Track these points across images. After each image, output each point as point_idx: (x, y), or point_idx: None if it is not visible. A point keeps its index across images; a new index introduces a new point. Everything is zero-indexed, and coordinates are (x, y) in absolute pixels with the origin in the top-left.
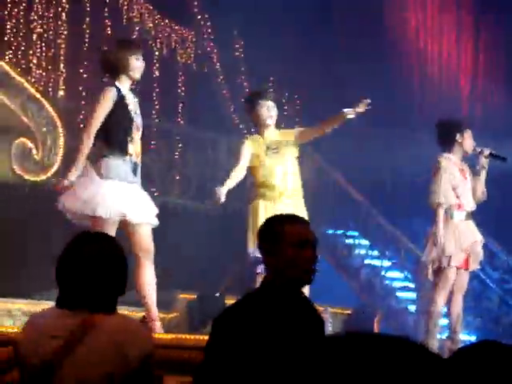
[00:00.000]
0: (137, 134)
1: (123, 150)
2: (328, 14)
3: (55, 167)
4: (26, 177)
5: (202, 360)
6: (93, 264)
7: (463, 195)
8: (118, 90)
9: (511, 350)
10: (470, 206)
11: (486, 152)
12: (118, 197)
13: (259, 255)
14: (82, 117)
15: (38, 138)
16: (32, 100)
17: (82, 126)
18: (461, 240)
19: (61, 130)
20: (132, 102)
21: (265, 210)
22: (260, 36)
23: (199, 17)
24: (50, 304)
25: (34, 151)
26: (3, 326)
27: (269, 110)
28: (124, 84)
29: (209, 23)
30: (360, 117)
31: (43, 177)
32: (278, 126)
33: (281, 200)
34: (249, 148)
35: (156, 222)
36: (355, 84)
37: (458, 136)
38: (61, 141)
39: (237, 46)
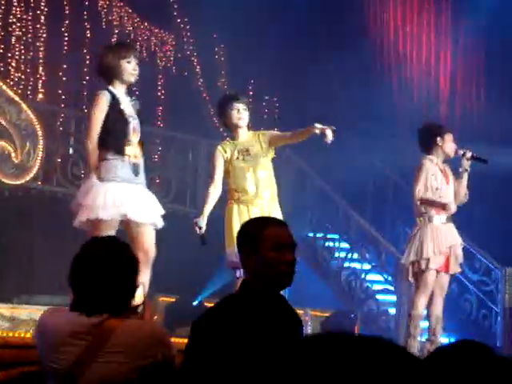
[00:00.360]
0: (134, 136)
1: (120, 152)
2: (308, 15)
3: (34, 170)
4: (5, 180)
5: (181, 362)
6: (106, 268)
7: (445, 197)
8: (112, 94)
9: (487, 348)
10: (452, 208)
11: (468, 154)
12: (119, 197)
13: (236, 259)
14: (61, 120)
15: (17, 141)
16: (11, 103)
17: (61, 129)
18: (440, 243)
19: (40, 133)
20: (128, 105)
21: (238, 214)
22: (240, 38)
23: (179, 20)
24: (31, 308)
25: (13, 154)
26: None
27: (239, 113)
28: (118, 88)
29: (188, 26)
30: (341, 118)
31: (22, 180)
32: (252, 129)
33: (255, 203)
34: (220, 157)
35: (161, 223)
36: (334, 84)
37: (438, 139)
38: (40, 144)
39: (217, 49)
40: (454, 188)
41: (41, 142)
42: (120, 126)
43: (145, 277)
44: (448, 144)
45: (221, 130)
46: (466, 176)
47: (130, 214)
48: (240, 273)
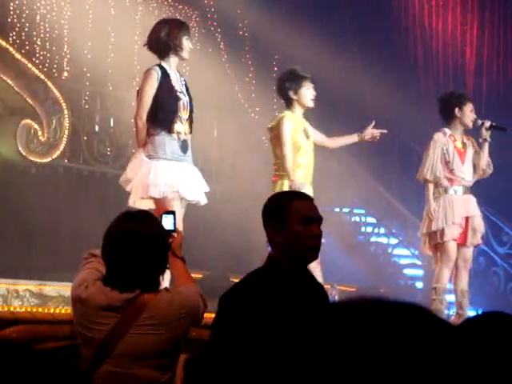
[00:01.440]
0: (184, 113)
1: (169, 129)
2: None
3: (61, 148)
4: (32, 158)
5: (209, 337)
6: (138, 244)
7: (457, 169)
8: (163, 70)
9: None
10: (467, 180)
11: (487, 124)
12: (170, 176)
13: None
14: (86, 98)
15: (43, 119)
16: (37, 82)
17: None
18: (452, 214)
19: (66, 111)
20: (178, 82)
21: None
22: (264, 15)
23: None
24: (58, 284)
25: (40, 132)
26: (11, 306)
27: (311, 93)
28: (171, 63)
29: (212, 2)
30: (363, 91)
31: (49, 158)
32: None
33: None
34: (289, 127)
35: (205, 200)
36: (359, 58)
37: (456, 110)
38: (66, 122)
39: (240, 24)
40: (472, 160)
41: (67, 119)
42: (170, 102)
43: None
44: (467, 115)
45: (246, 105)
46: (486, 146)
47: (181, 192)
48: None
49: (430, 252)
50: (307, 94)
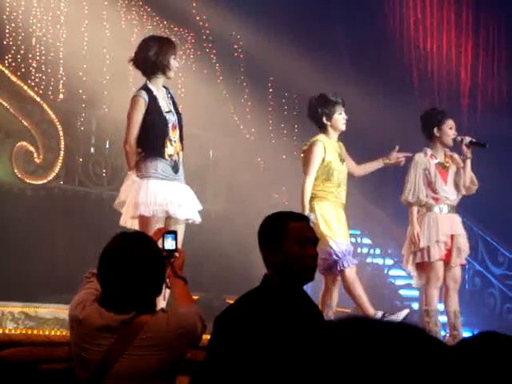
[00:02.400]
0: (173, 134)
1: (160, 151)
2: (327, 12)
3: (56, 170)
4: (27, 180)
5: (203, 358)
6: (133, 265)
7: (440, 189)
8: (149, 92)
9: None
10: (451, 199)
11: (466, 140)
12: (160, 194)
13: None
14: (82, 119)
15: (39, 141)
16: (32, 104)
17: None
18: (436, 232)
19: (61, 133)
20: (165, 100)
21: (336, 215)
22: (258, 36)
23: (198, 18)
24: (53, 307)
25: (35, 154)
26: (6, 329)
27: (344, 118)
28: (158, 83)
29: (207, 24)
30: (359, 111)
31: (44, 180)
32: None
33: (342, 207)
34: (322, 152)
35: (199, 219)
36: (354, 80)
37: (435, 130)
38: (61, 144)
39: (236, 46)
40: (455, 178)
41: (62, 141)
42: (159, 127)
43: None
44: (446, 133)
45: (241, 127)
46: (468, 163)
47: (171, 211)
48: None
49: (413, 270)
50: (340, 118)
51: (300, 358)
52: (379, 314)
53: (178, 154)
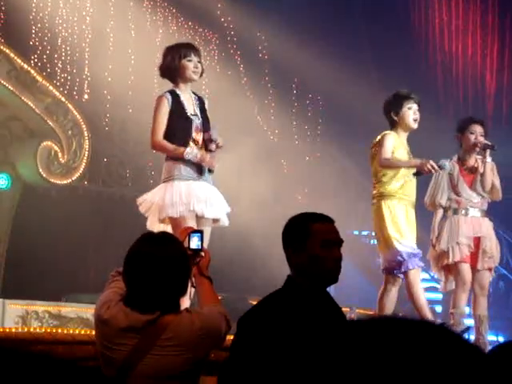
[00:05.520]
0: (198, 135)
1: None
2: (352, 13)
3: (80, 170)
4: (52, 180)
5: (227, 359)
6: (158, 266)
7: (464, 193)
8: (174, 95)
9: None
10: (475, 202)
11: (480, 144)
12: (185, 194)
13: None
14: (106, 120)
15: (64, 141)
16: (57, 104)
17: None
18: (456, 234)
19: (86, 133)
20: (192, 104)
21: (406, 214)
22: (282, 37)
23: (222, 19)
24: (76, 306)
25: (60, 155)
26: (31, 327)
27: (415, 114)
28: (181, 87)
29: (232, 25)
30: (380, 114)
31: (69, 180)
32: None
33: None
34: (392, 143)
35: (227, 221)
36: (379, 82)
37: (459, 136)
38: (86, 144)
39: (260, 47)
40: (481, 182)
41: (87, 141)
42: (182, 127)
43: None
44: (467, 138)
45: (265, 128)
46: (487, 167)
47: (198, 210)
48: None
49: (439, 273)
50: (409, 113)
51: (322, 359)
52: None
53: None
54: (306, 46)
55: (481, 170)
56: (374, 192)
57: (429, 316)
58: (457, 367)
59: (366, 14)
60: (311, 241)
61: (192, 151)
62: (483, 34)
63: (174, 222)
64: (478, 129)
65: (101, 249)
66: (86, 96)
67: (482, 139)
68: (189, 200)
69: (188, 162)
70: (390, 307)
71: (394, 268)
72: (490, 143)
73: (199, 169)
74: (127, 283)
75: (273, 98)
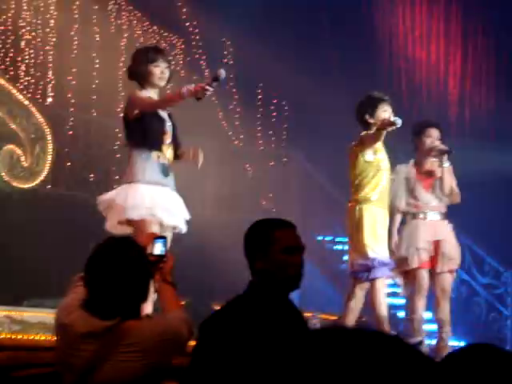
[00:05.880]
0: (167, 137)
1: (156, 149)
2: (316, 20)
3: (44, 174)
4: (15, 184)
5: (188, 365)
6: (119, 271)
7: (421, 196)
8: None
9: (502, 351)
10: (433, 205)
11: (437, 148)
12: (148, 198)
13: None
14: (70, 123)
15: (27, 145)
16: (20, 107)
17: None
18: (416, 239)
19: (49, 137)
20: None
21: (383, 219)
22: (248, 42)
23: (187, 23)
24: (39, 311)
25: (23, 158)
26: None
27: (389, 116)
28: (149, 92)
29: (197, 30)
30: (352, 120)
31: (32, 184)
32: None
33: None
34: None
35: (184, 229)
36: (343, 89)
37: (416, 140)
38: (49, 148)
39: (226, 52)
40: (439, 185)
41: (50, 145)
42: (157, 124)
43: None
44: (424, 142)
45: (230, 133)
46: (445, 172)
47: (159, 216)
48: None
49: (399, 279)
50: (384, 116)
51: (280, 366)
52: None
53: (165, 158)
54: (271, 51)
55: (438, 174)
56: (353, 196)
57: (385, 327)
58: (403, 378)
59: (330, 20)
60: (273, 247)
61: (188, 87)
62: (446, 41)
63: (135, 224)
64: (433, 132)
65: (64, 253)
66: (49, 99)
67: (438, 143)
68: (152, 204)
69: (153, 166)
70: (355, 311)
71: (362, 273)
72: (446, 148)
73: (165, 172)
74: (87, 288)
75: (238, 103)
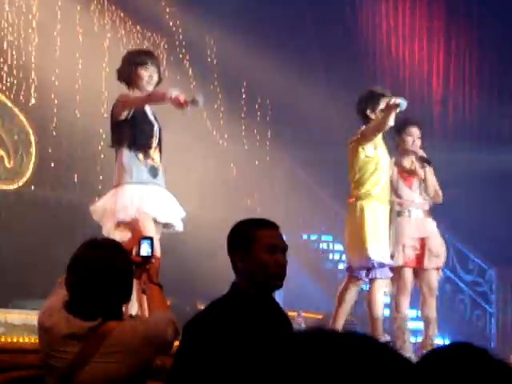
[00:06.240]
0: (154, 139)
1: (146, 153)
2: (300, 19)
3: (27, 175)
4: None
5: (172, 366)
6: (101, 272)
7: (405, 194)
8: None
9: (482, 351)
10: (417, 202)
11: (418, 154)
12: (136, 197)
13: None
14: (54, 124)
15: (10, 146)
16: (3, 108)
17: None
18: (400, 238)
19: (33, 138)
20: (148, 110)
21: (384, 217)
22: (232, 42)
23: (171, 23)
24: (25, 313)
25: (6, 160)
26: None
27: None
28: (136, 93)
29: (180, 30)
30: (336, 119)
31: (15, 185)
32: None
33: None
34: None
35: (181, 227)
36: (328, 88)
37: (396, 138)
38: (33, 149)
39: (209, 51)
40: (423, 182)
41: (33, 146)
42: (147, 127)
43: None
44: (406, 141)
45: (214, 133)
46: (427, 174)
47: (151, 213)
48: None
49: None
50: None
51: (262, 368)
52: (387, 338)
53: (155, 160)
54: (255, 50)
55: (421, 175)
56: (353, 192)
57: (379, 330)
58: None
59: (314, 19)
60: (256, 247)
61: (176, 93)
62: (430, 40)
63: (129, 226)
64: (414, 131)
65: (48, 254)
66: (32, 100)
67: (420, 151)
68: (141, 203)
69: (140, 167)
70: (347, 306)
71: (360, 271)
72: (426, 158)
73: (153, 173)
74: (69, 289)
75: (222, 102)
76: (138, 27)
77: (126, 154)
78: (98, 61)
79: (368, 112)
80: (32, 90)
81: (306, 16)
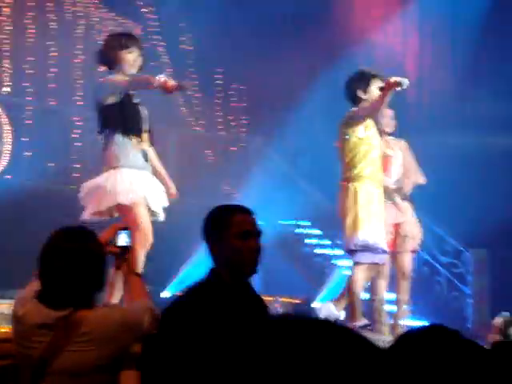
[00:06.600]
0: (144, 125)
1: (139, 137)
2: (278, 6)
3: (3, 164)
4: None
5: (142, 351)
6: (72, 260)
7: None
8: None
9: (456, 333)
10: (392, 187)
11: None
12: (135, 181)
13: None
14: (29, 113)
15: None
16: None
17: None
18: None
19: (7, 126)
20: (134, 94)
21: (378, 198)
22: (206, 27)
23: (145, 10)
24: (1, 302)
25: None
26: None
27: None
28: (120, 78)
29: (155, 16)
30: (310, 104)
31: None
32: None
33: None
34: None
35: (163, 216)
36: (304, 71)
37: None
38: (8, 138)
39: (184, 38)
40: (400, 166)
41: (9, 135)
42: (136, 111)
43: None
44: (384, 120)
45: (189, 119)
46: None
47: (148, 199)
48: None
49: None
50: (378, 92)
51: (234, 355)
52: (362, 323)
53: (145, 143)
54: (230, 36)
55: (390, 154)
56: (345, 174)
57: (357, 313)
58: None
59: (288, 6)
60: (230, 232)
61: (167, 78)
62: (403, 23)
63: (126, 208)
64: (388, 112)
65: (24, 244)
66: (8, 89)
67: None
68: (140, 188)
69: (134, 151)
70: (381, 296)
71: (360, 252)
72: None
73: (145, 156)
74: (41, 278)
75: (197, 88)
76: (113, 14)
77: (118, 138)
78: (72, 48)
79: (359, 93)
80: (5, 79)
81: (283, 3)
